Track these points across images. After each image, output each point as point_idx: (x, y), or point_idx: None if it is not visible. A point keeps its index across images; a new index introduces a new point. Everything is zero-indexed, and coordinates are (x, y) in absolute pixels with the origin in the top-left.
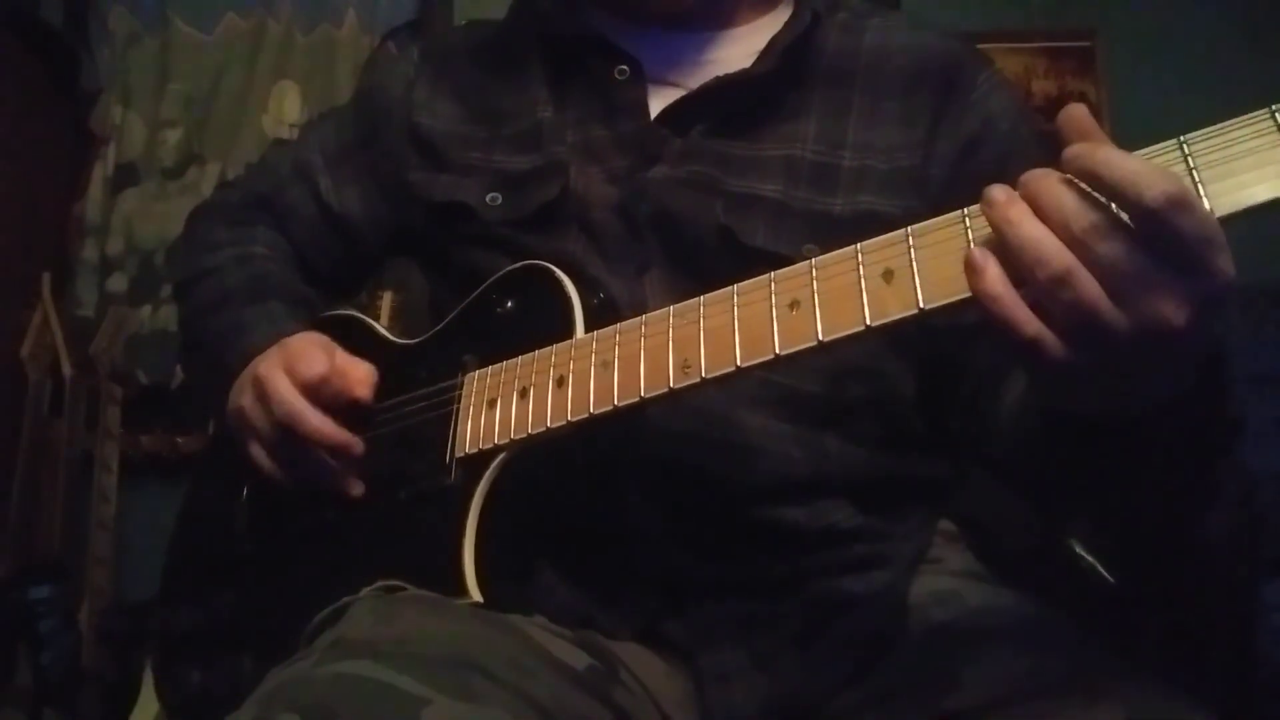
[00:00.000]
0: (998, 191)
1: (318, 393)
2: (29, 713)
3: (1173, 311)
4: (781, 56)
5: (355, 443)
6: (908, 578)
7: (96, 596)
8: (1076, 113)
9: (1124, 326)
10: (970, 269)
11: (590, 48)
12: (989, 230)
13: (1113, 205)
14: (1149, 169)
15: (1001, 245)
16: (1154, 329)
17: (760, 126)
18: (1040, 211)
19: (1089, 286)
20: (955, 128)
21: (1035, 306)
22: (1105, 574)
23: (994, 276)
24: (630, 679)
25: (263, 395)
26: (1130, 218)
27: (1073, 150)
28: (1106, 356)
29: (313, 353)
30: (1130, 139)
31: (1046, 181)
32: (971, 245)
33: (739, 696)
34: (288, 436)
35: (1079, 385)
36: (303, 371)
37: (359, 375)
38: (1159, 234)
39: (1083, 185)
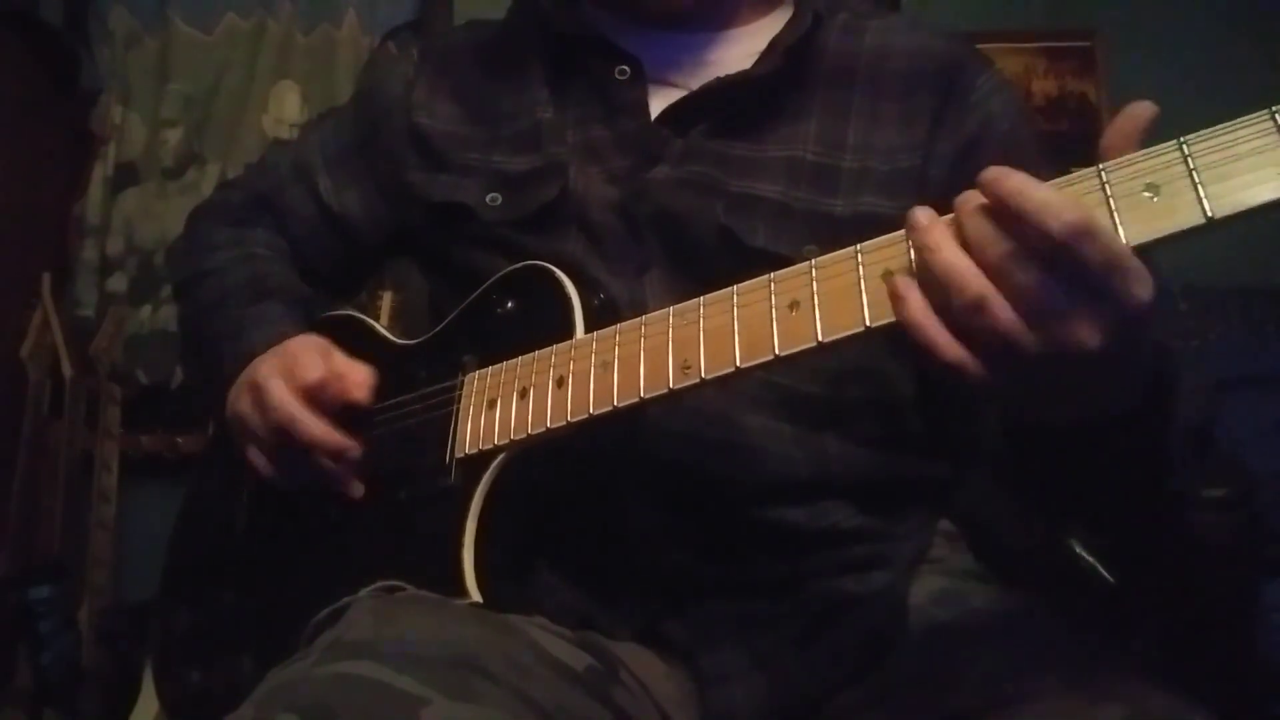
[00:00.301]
0: (920, 215)
1: (315, 397)
2: (29, 713)
3: (1086, 335)
4: (783, 58)
5: (353, 446)
6: (908, 578)
7: (96, 596)
8: (1137, 110)
9: (1039, 350)
10: (894, 296)
11: (590, 47)
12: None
13: (1023, 233)
14: (1056, 199)
15: (922, 271)
16: (1069, 352)
17: (761, 127)
18: (961, 236)
19: (1003, 313)
20: (955, 129)
21: (954, 330)
22: (1105, 574)
23: (915, 303)
24: (630, 679)
25: (260, 401)
26: (1038, 247)
27: (988, 174)
28: (1024, 378)
29: (309, 357)
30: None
31: (968, 207)
32: (895, 273)
33: (739, 696)
34: (285, 441)
35: (1015, 403)
36: (300, 376)
37: (356, 378)
38: (1066, 262)
39: (1001, 211)
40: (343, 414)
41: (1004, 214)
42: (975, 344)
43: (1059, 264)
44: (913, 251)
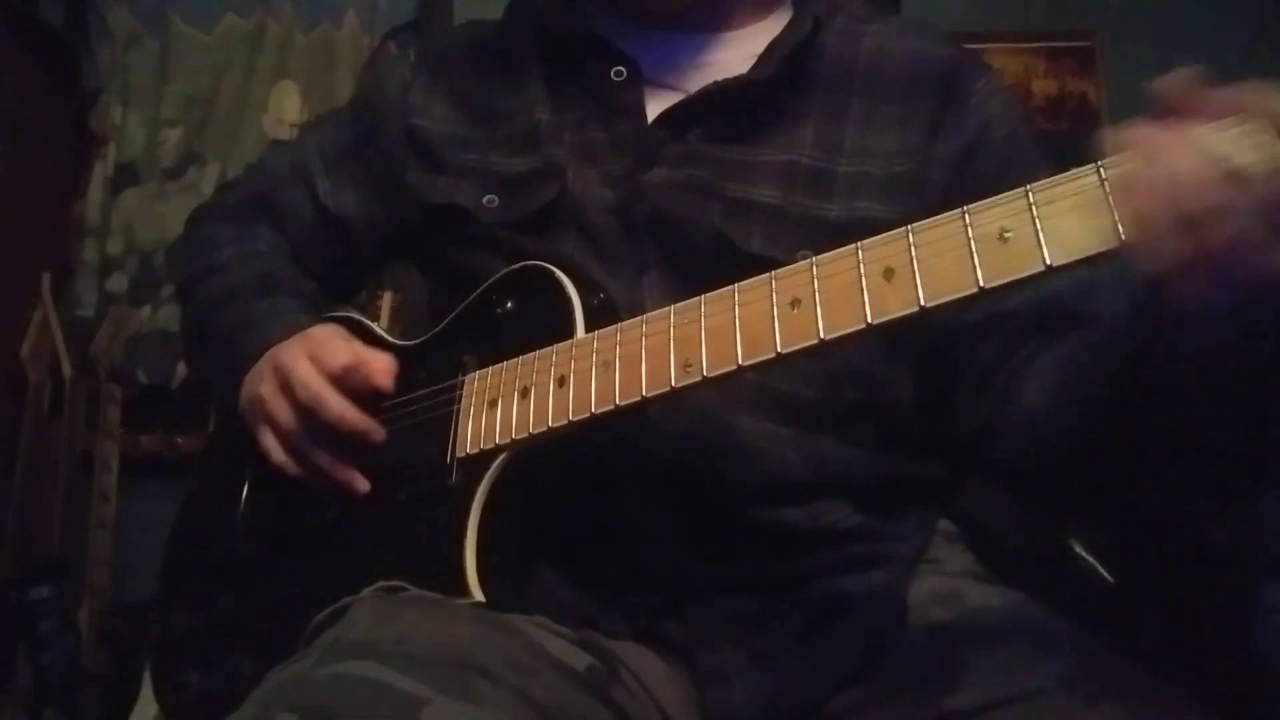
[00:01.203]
0: (1140, 130)
1: (342, 381)
2: (29, 713)
3: None
4: (780, 63)
5: (376, 428)
6: (907, 578)
7: (96, 596)
8: (1183, 77)
9: (1271, 269)
10: (1125, 188)
11: (588, 48)
12: (992, 226)
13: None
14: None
15: (1150, 178)
16: None
17: (758, 131)
18: (1201, 148)
19: (1243, 223)
20: (954, 133)
21: (1187, 238)
22: (1105, 574)
23: (1148, 195)
24: (630, 679)
25: (285, 382)
26: None
27: (1226, 90)
28: (1245, 297)
29: (336, 342)
30: None
31: (1186, 126)
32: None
33: (739, 696)
34: (309, 422)
35: (1213, 338)
36: (327, 359)
37: (381, 365)
38: None
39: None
40: (364, 401)
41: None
42: (1206, 254)
43: None
44: (1148, 157)
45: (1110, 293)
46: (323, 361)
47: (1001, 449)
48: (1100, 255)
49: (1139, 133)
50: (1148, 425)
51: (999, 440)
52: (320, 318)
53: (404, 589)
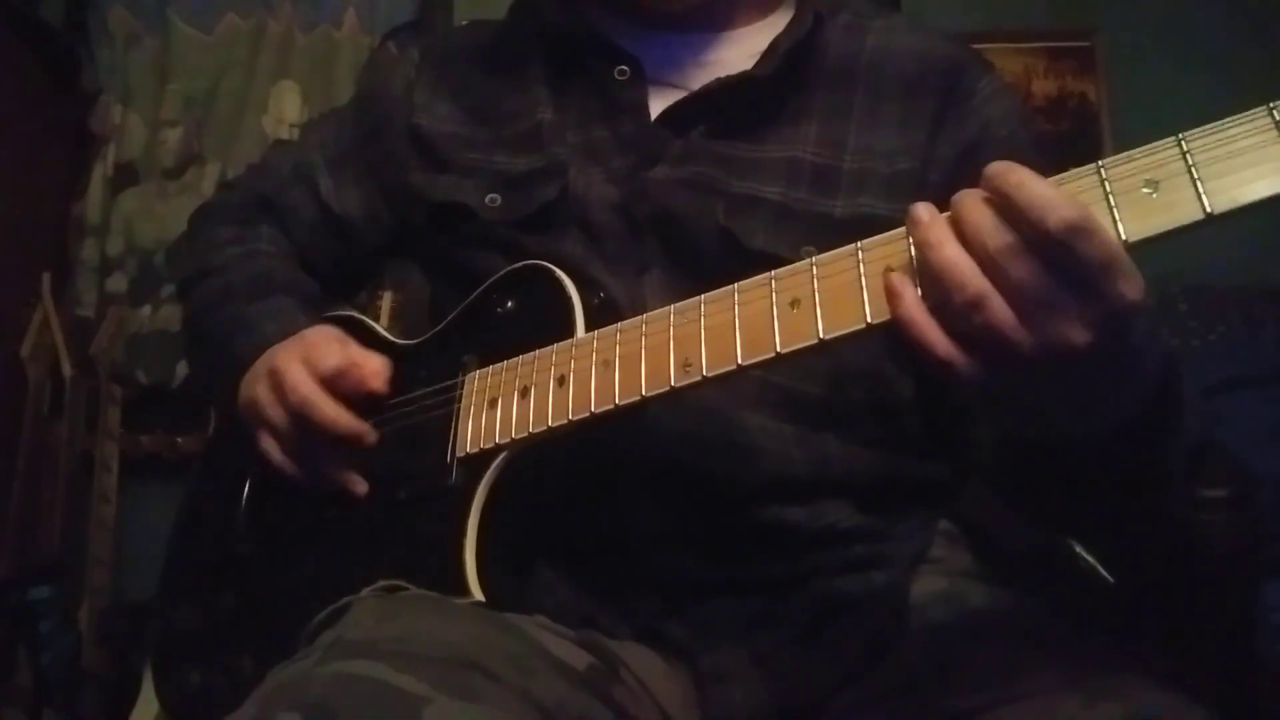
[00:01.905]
0: (921, 211)
1: (334, 384)
2: (29, 713)
3: (1074, 332)
4: (783, 59)
5: (368, 432)
6: (908, 578)
7: (96, 596)
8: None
9: (1028, 347)
10: (890, 293)
11: (590, 48)
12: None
13: (1022, 228)
14: (1056, 195)
15: (922, 266)
16: (1057, 349)
17: (761, 128)
18: (961, 232)
19: (1000, 310)
20: (955, 133)
21: (949, 329)
22: (1105, 574)
23: (911, 301)
24: (631, 678)
25: (278, 385)
26: (1034, 242)
27: (992, 168)
28: (1016, 379)
29: (329, 345)
30: (1130, 139)
31: (969, 201)
32: (894, 270)
33: (739, 696)
34: (302, 425)
35: (1004, 408)
36: (319, 362)
37: (374, 367)
38: (1060, 258)
39: (1003, 205)
40: (358, 404)
41: (1005, 208)
42: (970, 343)
43: (1054, 260)
44: (913, 248)
45: None
46: (315, 365)
47: (979, 454)
48: None
49: (918, 211)
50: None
51: (977, 446)
52: (319, 317)
53: (404, 588)
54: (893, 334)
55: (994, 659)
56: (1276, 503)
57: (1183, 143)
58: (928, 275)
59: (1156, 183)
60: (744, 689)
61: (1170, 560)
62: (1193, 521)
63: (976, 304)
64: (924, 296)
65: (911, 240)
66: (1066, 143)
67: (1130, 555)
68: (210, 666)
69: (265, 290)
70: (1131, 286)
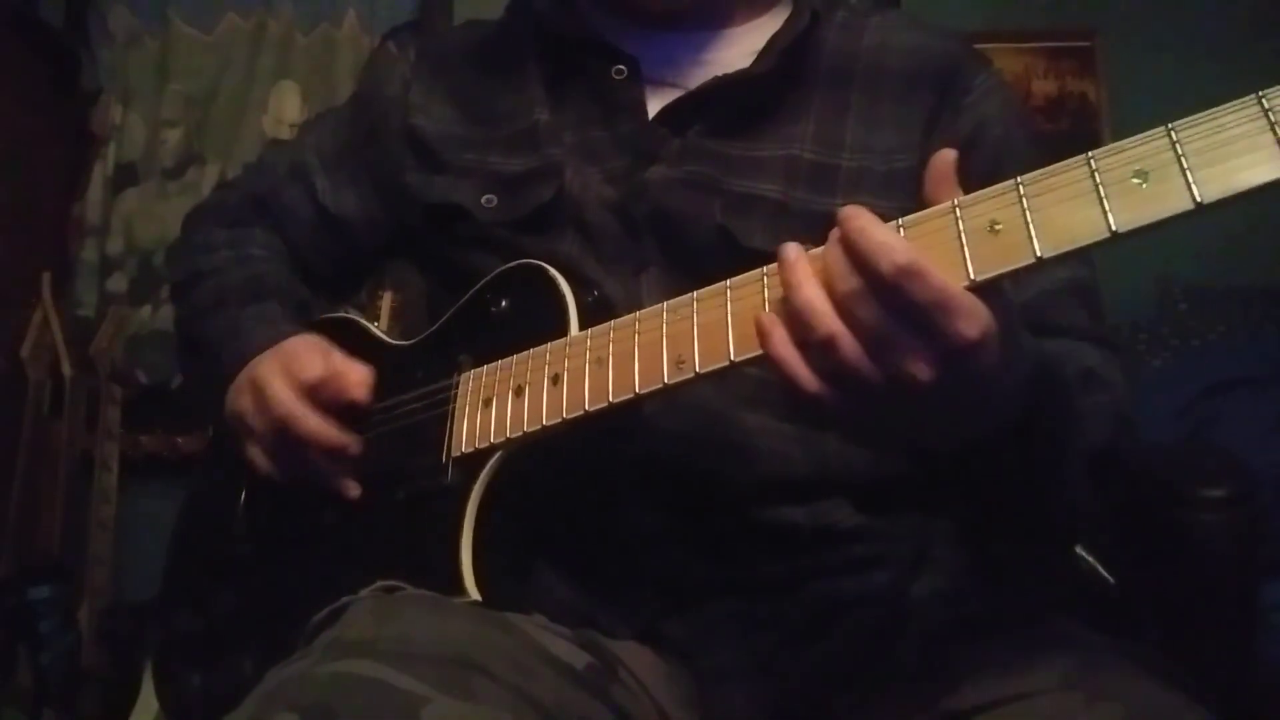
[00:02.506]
0: (789, 250)
1: (315, 395)
2: (29, 713)
3: (918, 369)
4: (780, 57)
5: (351, 443)
6: (907, 578)
7: (96, 596)
8: (941, 163)
9: (881, 384)
10: (760, 332)
11: (587, 47)
12: (983, 219)
13: (864, 272)
14: (891, 239)
15: (786, 306)
16: (905, 384)
17: (759, 126)
18: (821, 271)
19: (850, 348)
20: (950, 130)
21: (812, 364)
22: (1105, 574)
23: (779, 339)
24: (630, 678)
25: (260, 398)
26: (874, 285)
27: (842, 213)
28: (875, 411)
29: (310, 355)
30: (1129, 138)
31: (830, 243)
32: (765, 308)
33: (739, 696)
34: (285, 439)
35: (875, 434)
36: (300, 374)
37: (356, 377)
38: (897, 301)
39: (848, 249)
40: (342, 413)
41: (850, 252)
42: (827, 376)
43: (892, 302)
44: (770, 290)
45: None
46: (296, 376)
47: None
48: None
49: (786, 251)
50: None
51: None
52: (307, 324)
53: (402, 589)
54: None
55: (994, 659)
56: (1276, 503)
57: (1172, 133)
58: (789, 315)
59: (1146, 173)
60: (743, 689)
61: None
62: (1190, 521)
63: (829, 343)
64: (790, 334)
65: (780, 280)
66: (1066, 142)
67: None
68: (211, 667)
69: (255, 296)
70: (970, 325)
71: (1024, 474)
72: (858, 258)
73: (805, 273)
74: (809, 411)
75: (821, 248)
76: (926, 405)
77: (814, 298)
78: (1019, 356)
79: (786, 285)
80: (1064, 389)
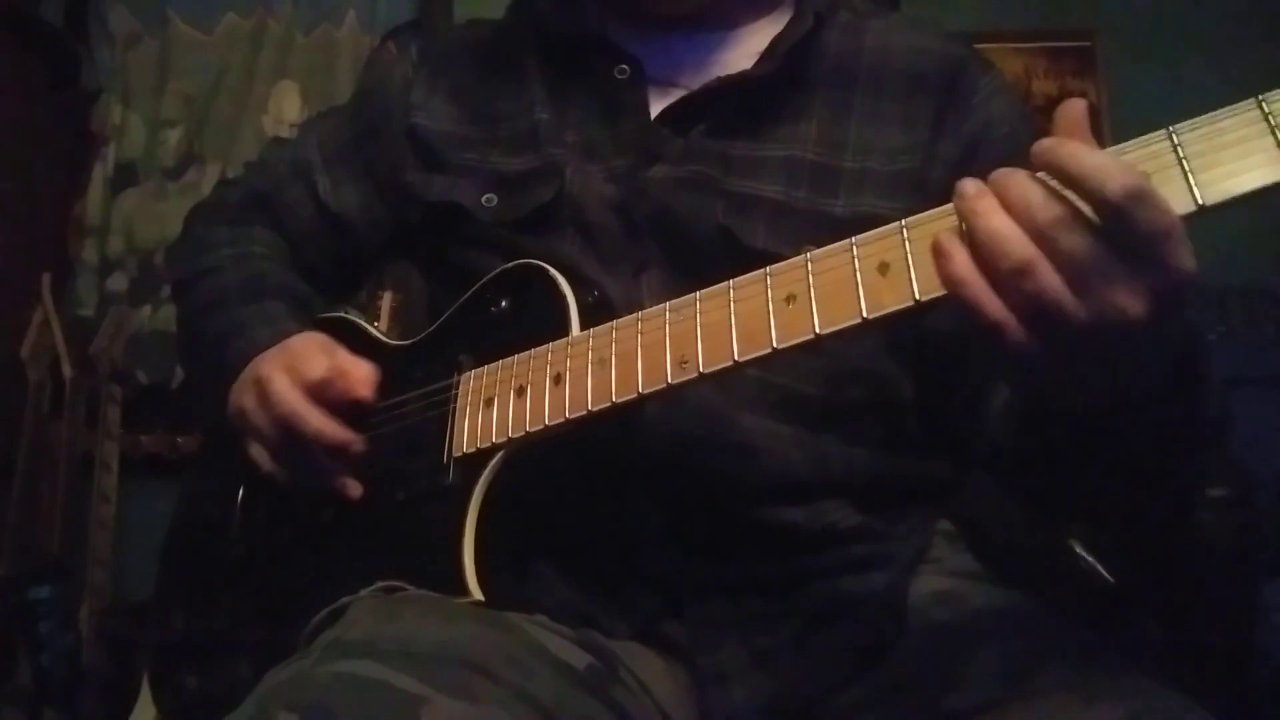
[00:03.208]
0: (968, 185)
1: (320, 393)
2: (29, 713)
3: (1130, 303)
4: (783, 58)
5: (354, 441)
6: (907, 578)
7: (96, 596)
8: (1074, 110)
9: (1082, 316)
10: (938, 253)
11: (590, 47)
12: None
13: (1075, 199)
14: (1113, 163)
15: (969, 236)
16: (1111, 320)
17: (761, 127)
18: (1007, 205)
19: (1049, 278)
20: (956, 131)
21: (1000, 294)
22: (1105, 574)
23: (961, 261)
24: (630, 678)
25: (264, 396)
26: (1091, 210)
27: (1042, 144)
28: (1066, 345)
29: (314, 354)
30: (1129, 139)
31: (1015, 176)
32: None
33: (739, 696)
34: (288, 437)
35: (1049, 377)
36: (304, 372)
37: (360, 375)
38: (1118, 226)
39: (1049, 181)
40: (345, 412)
41: (1059, 178)
42: (1017, 309)
43: (1109, 229)
44: (960, 219)
45: None
46: (300, 375)
47: (982, 450)
48: None
49: (965, 185)
50: (1054, 438)
51: (980, 442)
52: (310, 321)
53: (402, 589)
54: (888, 330)
55: (994, 659)
56: (1276, 503)
57: (1173, 135)
58: (976, 243)
59: (1148, 175)
60: (743, 689)
61: (1175, 553)
62: (1193, 520)
63: (1024, 271)
64: (976, 261)
65: (959, 212)
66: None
67: (1140, 541)
68: (208, 669)
69: (257, 294)
70: (1188, 256)
71: (1170, 434)
72: (1072, 181)
73: (992, 202)
74: (988, 341)
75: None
76: (1129, 343)
77: (1004, 225)
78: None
79: (970, 214)
80: (1201, 347)
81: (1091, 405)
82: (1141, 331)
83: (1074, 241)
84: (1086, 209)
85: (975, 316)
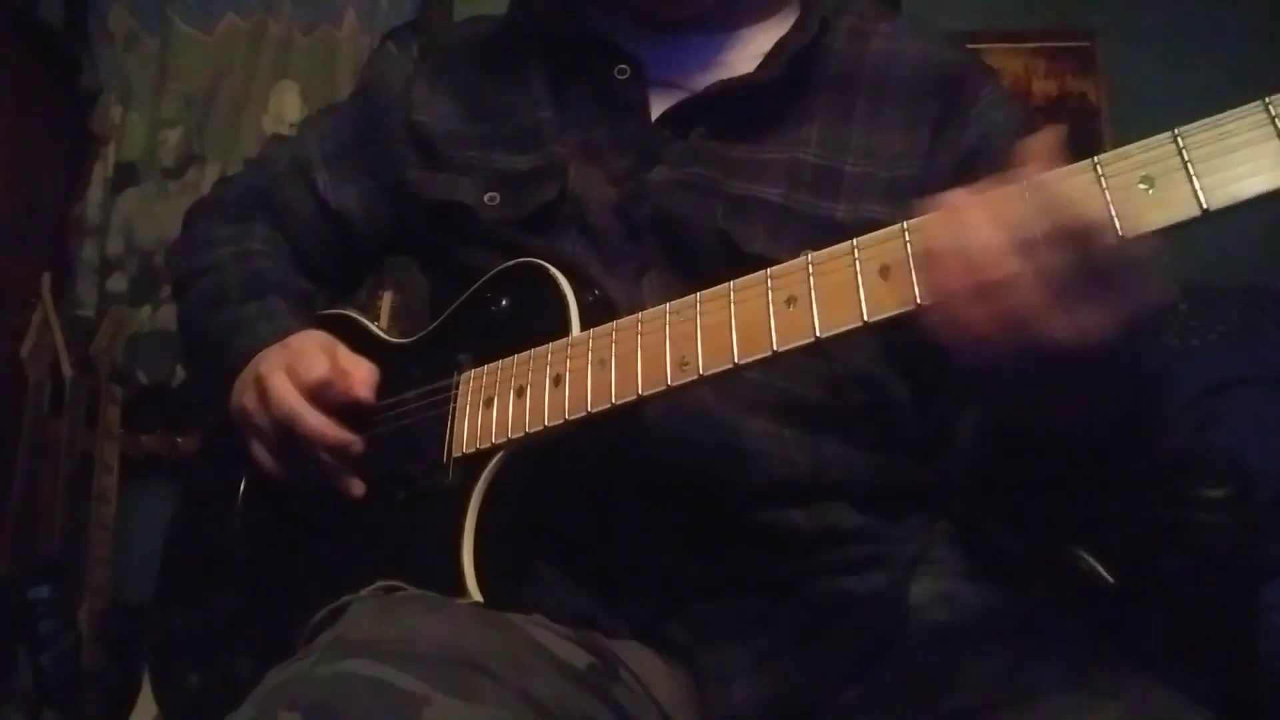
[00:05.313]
0: (957, 195)
1: (320, 394)
2: (29, 713)
3: (1105, 323)
4: (787, 64)
5: (355, 442)
6: (907, 578)
7: (96, 596)
8: (1050, 138)
9: (1058, 331)
10: (922, 263)
11: (590, 47)
12: None
13: (1059, 218)
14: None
15: (958, 245)
16: (1086, 335)
17: (762, 130)
18: (997, 218)
19: (1031, 291)
20: (955, 140)
21: (984, 305)
22: (1105, 574)
23: (944, 272)
24: (630, 678)
25: (264, 395)
26: (1072, 232)
27: (1025, 168)
28: (1038, 359)
29: (314, 353)
30: (1130, 139)
31: (1005, 190)
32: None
33: (739, 696)
34: (288, 436)
35: (1023, 395)
36: (303, 372)
37: (360, 375)
38: (1093, 250)
39: (1040, 195)
40: (345, 411)
41: (1045, 198)
42: (996, 322)
43: (1091, 251)
44: (947, 229)
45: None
46: (299, 375)
47: (950, 462)
48: None
49: (951, 197)
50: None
51: (948, 453)
52: (311, 319)
53: (402, 589)
54: (889, 333)
55: (994, 659)
56: (1276, 503)
57: (1179, 138)
58: (958, 255)
59: (1153, 179)
60: (744, 689)
61: (1170, 559)
62: (1191, 521)
63: (1009, 283)
64: (959, 274)
65: (948, 222)
66: (1066, 143)
67: (1120, 548)
68: (209, 668)
69: (257, 291)
70: (1165, 289)
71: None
72: (1052, 203)
73: (981, 213)
74: (964, 355)
75: (977, 194)
76: (1088, 364)
77: (993, 238)
78: None
79: (959, 226)
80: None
81: (1059, 425)
82: (1108, 351)
83: (1056, 259)
84: (1071, 228)
85: (953, 329)
